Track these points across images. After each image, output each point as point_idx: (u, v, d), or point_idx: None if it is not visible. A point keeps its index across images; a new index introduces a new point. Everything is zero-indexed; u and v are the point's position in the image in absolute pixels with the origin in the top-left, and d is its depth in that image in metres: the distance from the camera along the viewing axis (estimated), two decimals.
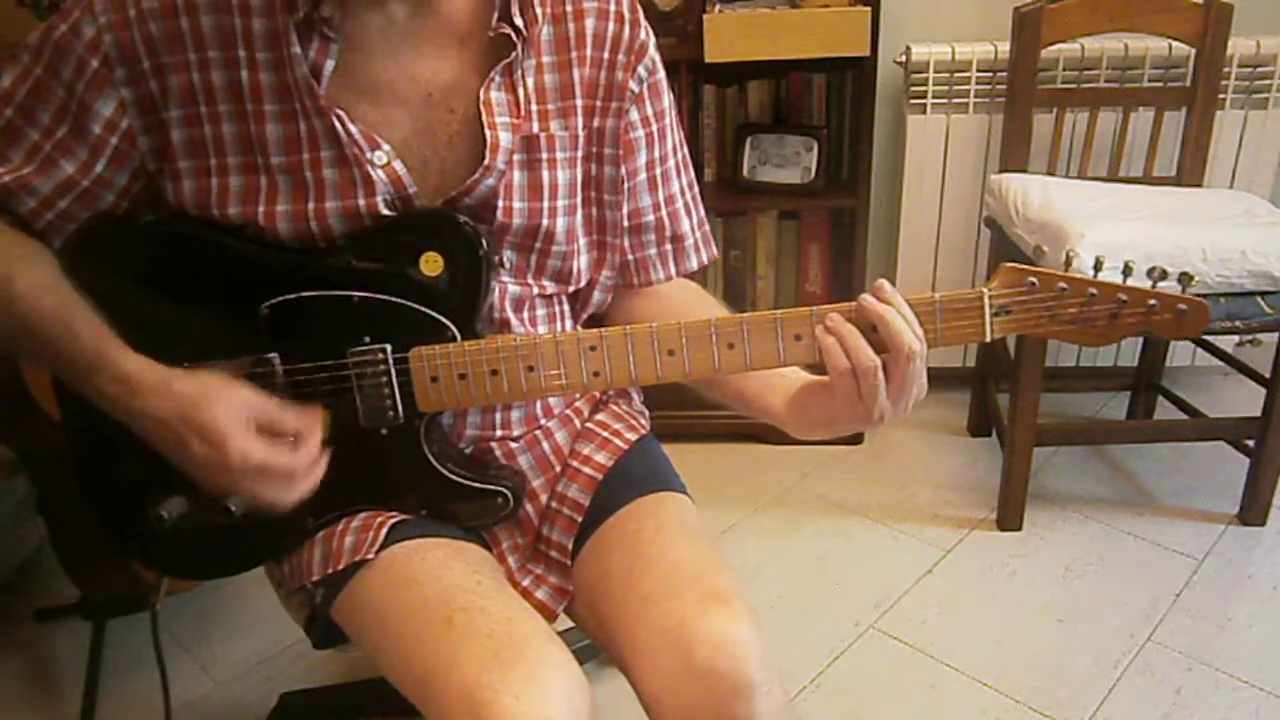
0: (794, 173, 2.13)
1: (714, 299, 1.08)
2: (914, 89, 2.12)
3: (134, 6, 0.87)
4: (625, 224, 1.04)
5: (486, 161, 0.92)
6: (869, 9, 1.88)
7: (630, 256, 1.06)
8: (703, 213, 1.11)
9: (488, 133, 0.92)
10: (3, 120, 0.90)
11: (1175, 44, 1.98)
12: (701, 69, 2.06)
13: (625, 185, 1.02)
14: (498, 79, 0.93)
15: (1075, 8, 1.89)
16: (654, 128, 1.02)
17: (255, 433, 0.85)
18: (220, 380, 0.87)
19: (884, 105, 2.17)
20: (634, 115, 1.00)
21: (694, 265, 1.10)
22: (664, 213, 1.06)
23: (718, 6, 1.96)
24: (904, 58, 2.13)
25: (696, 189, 1.10)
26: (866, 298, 0.84)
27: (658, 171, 1.04)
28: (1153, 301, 0.84)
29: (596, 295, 1.06)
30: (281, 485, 0.87)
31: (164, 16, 0.87)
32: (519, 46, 0.92)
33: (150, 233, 0.96)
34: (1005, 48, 2.00)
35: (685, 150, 1.09)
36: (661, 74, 1.02)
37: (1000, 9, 2.00)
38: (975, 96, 2.11)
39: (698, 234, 1.10)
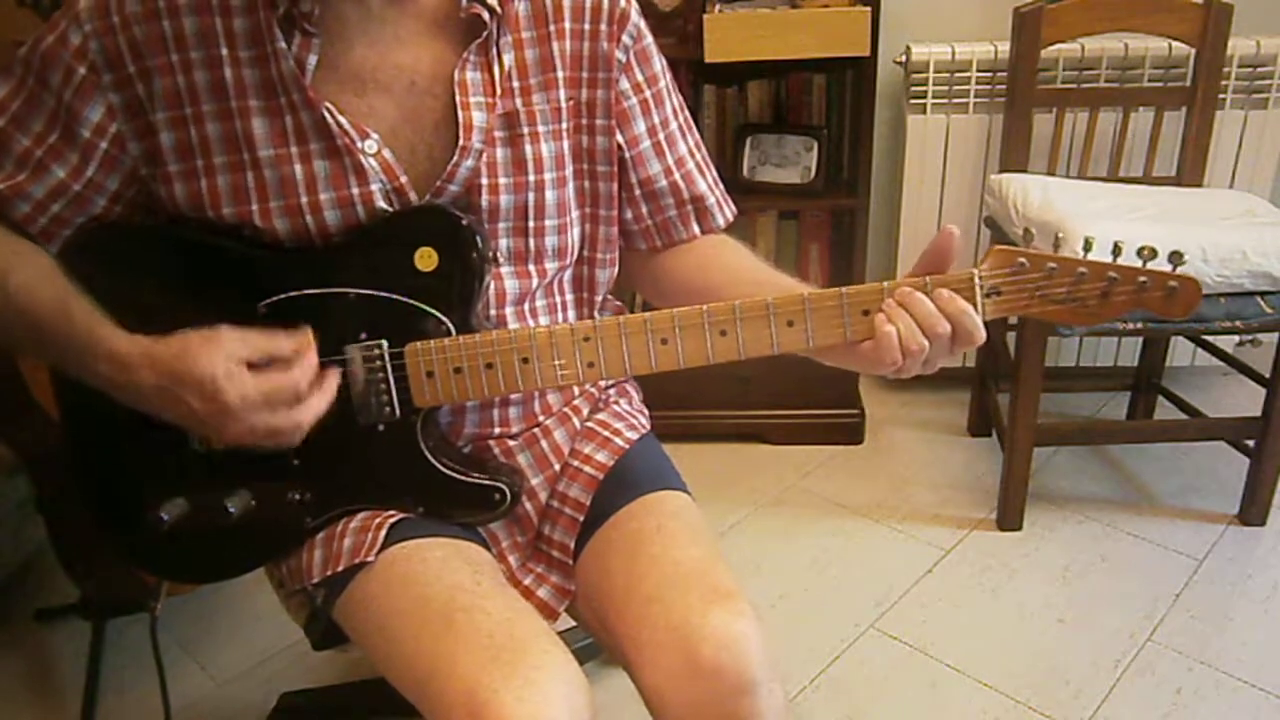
0: (794, 173, 2.13)
1: (750, 252, 1.08)
2: (914, 89, 2.12)
3: (118, 13, 0.88)
4: (638, 192, 1.04)
5: (461, 142, 0.93)
6: (869, 9, 1.88)
7: (649, 222, 1.07)
8: (715, 173, 1.11)
9: (460, 113, 0.92)
10: None
11: (1175, 44, 1.98)
12: (701, 69, 2.06)
13: (627, 155, 1.02)
14: (472, 59, 0.93)
15: (1075, 8, 1.89)
16: (648, 93, 1.02)
17: (247, 370, 0.84)
18: (199, 333, 0.86)
19: (884, 105, 2.17)
20: (624, 84, 1.00)
21: (720, 223, 1.10)
22: (677, 176, 1.06)
23: (718, 6, 1.96)
24: (904, 58, 2.13)
25: (704, 150, 1.10)
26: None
27: (661, 137, 1.04)
28: (1143, 279, 0.85)
29: (600, 275, 1.06)
30: (291, 408, 0.86)
31: (147, 20, 0.88)
32: (492, 25, 0.92)
33: (147, 236, 0.96)
34: (1005, 48, 2.00)
35: (687, 113, 1.08)
36: (649, 40, 1.02)
37: (1000, 9, 2.00)
38: (975, 96, 2.11)
39: (716, 192, 1.10)
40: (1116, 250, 0.86)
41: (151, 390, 0.85)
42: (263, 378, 0.85)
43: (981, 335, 0.85)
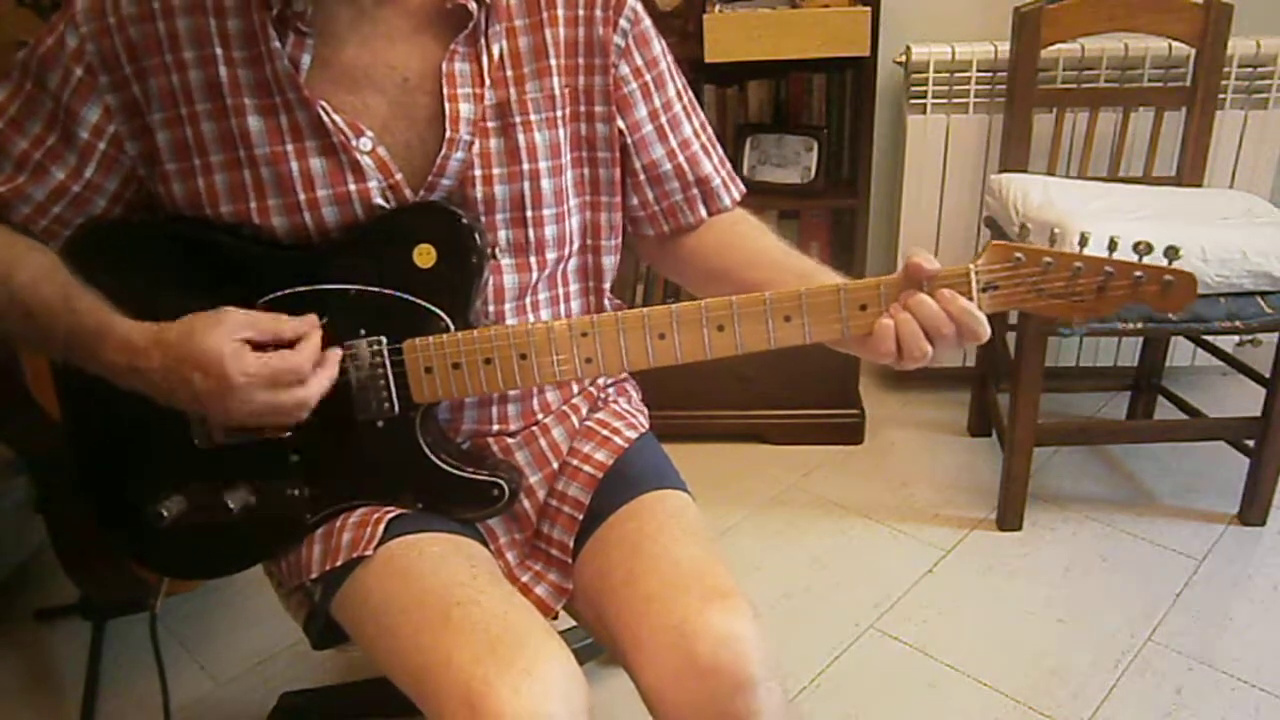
0: (794, 173, 2.13)
1: (767, 230, 1.06)
2: (914, 89, 2.12)
3: (114, 14, 0.89)
4: (642, 177, 1.03)
5: (449, 134, 0.93)
6: (869, 9, 1.88)
7: (655, 207, 1.06)
8: (721, 152, 1.09)
9: (447, 105, 0.92)
10: None
11: (1175, 44, 1.98)
12: (701, 69, 2.06)
13: (629, 140, 1.01)
14: (460, 50, 0.93)
15: (1075, 8, 1.89)
16: (648, 77, 1.01)
17: (250, 349, 0.85)
18: (206, 314, 0.86)
19: (884, 105, 2.18)
20: (624, 69, 0.99)
21: (727, 203, 1.09)
22: (681, 159, 1.05)
23: (718, 6, 1.96)
24: (904, 58, 2.14)
25: (710, 130, 1.09)
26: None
27: (664, 120, 1.03)
28: (1139, 274, 0.85)
29: (606, 262, 1.06)
30: (293, 387, 0.86)
31: (142, 21, 0.89)
32: (479, 15, 0.92)
33: (147, 235, 0.97)
34: (1005, 48, 2.00)
35: (690, 94, 1.07)
36: (647, 22, 1.01)
37: (1000, 9, 2.01)
38: (975, 96, 2.11)
39: (722, 173, 1.08)
40: (1112, 245, 0.85)
41: (159, 373, 0.85)
42: (266, 356, 0.85)
43: (986, 331, 0.85)
